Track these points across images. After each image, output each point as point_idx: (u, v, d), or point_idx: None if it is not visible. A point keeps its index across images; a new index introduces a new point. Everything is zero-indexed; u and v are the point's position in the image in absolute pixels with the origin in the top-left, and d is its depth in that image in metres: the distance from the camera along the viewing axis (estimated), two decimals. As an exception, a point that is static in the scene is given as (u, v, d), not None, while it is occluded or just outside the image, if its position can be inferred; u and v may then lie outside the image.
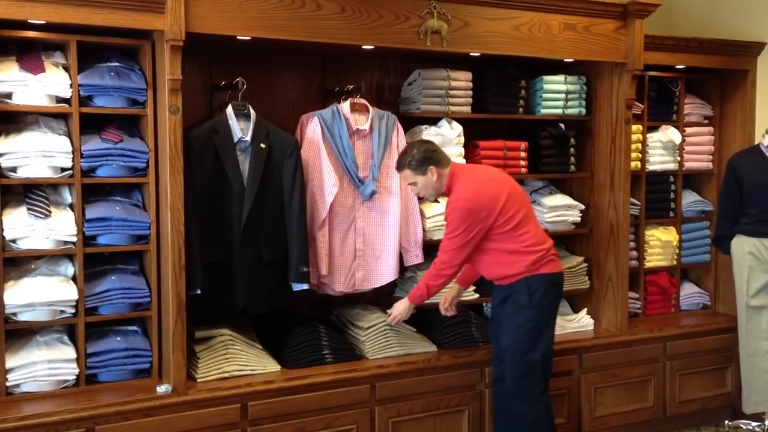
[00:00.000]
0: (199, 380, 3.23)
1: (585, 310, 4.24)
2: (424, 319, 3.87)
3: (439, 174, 3.33)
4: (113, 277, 3.13)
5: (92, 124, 3.14)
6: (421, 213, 3.77)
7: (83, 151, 3.06)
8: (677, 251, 4.53)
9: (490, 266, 3.40)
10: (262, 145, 3.32)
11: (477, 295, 3.91)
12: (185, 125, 3.13)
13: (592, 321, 4.23)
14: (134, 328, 3.24)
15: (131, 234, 3.14)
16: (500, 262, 3.35)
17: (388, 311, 3.57)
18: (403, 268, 3.75)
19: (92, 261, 3.15)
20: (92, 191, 3.16)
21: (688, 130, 4.53)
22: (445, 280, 3.40)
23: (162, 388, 3.08)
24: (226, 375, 3.28)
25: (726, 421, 4.37)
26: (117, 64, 3.14)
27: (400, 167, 3.39)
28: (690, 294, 4.65)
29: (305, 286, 3.42)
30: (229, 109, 3.30)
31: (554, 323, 3.45)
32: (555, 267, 3.39)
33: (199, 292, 3.19)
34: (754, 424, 4.26)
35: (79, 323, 3.08)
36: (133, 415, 3.01)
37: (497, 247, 3.33)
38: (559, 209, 4.13)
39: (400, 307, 3.51)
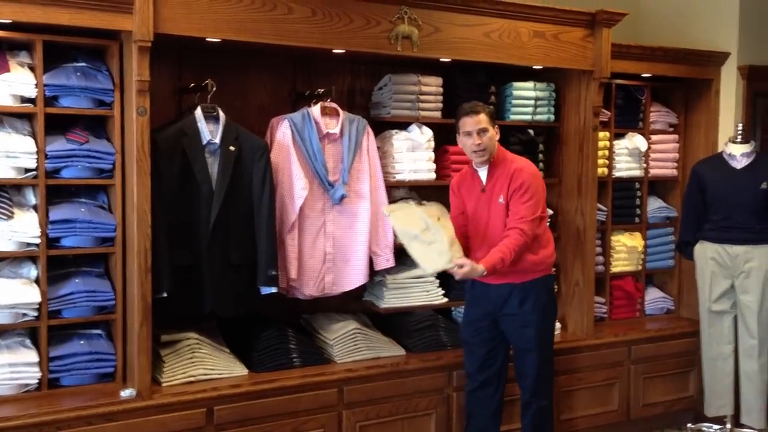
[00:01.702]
0: (164, 384, 3.20)
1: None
2: (392, 324, 3.88)
3: (496, 137, 3.37)
4: (77, 280, 3.09)
5: (58, 124, 3.10)
6: (391, 217, 3.78)
7: (48, 152, 3.02)
8: (642, 257, 4.60)
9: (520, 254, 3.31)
10: (232, 148, 3.31)
11: (445, 300, 3.92)
12: (153, 127, 3.10)
13: (559, 325, 4.26)
14: (98, 331, 3.20)
15: (96, 236, 3.11)
16: (531, 249, 3.32)
17: (456, 262, 3.11)
18: (372, 272, 3.75)
19: (56, 263, 3.10)
20: (57, 193, 3.12)
21: (654, 137, 4.61)
22: (521, 253, 3.24)
23: (126, 393, 3.05)
24: (192, 379, 3.25)
25: (688, 424, 4.44)
26: (84, 64, 3.10)
27: (477, 110, 3.29)
28: (654, 299, 4.72)
29: (274, 290, 3.41)
30: (198, 112, 3.28)
31: None
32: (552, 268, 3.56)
33: (165, 294, 3.16)
34: (715, 427, 4.33)
35: (41, 326, 3.03)
36: (96, 419, 2.97)
37: (537, 231, 3.35)
38: (527, 214, 4.17)
39: (476, 272, 3.13)
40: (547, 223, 3.54)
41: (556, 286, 4.28)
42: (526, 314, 3.38)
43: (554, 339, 3.65)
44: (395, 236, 3.74)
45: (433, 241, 3.14)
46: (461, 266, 3.12)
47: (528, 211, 3.25)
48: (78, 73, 3.06)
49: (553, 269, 3.64)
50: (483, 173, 3.40)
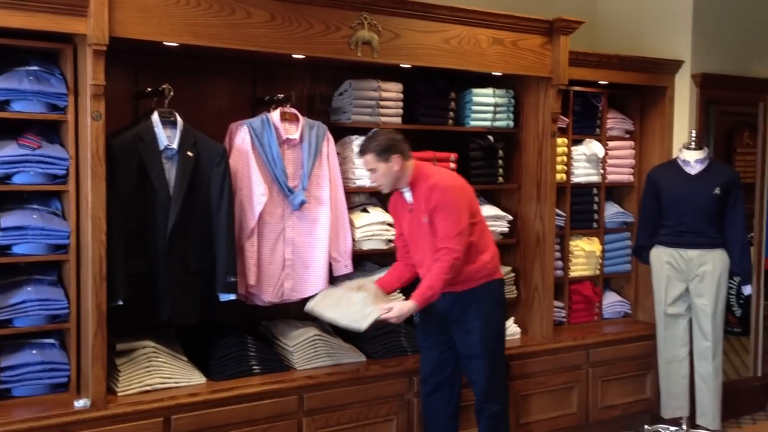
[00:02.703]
0: (119, 394, 3.14)
1: (512, 319, 4.32)
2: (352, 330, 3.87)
3: (401, 165, 3.33)
4: (29, 288, 3.02)
5: (9, 129, 3.03)
6: (351, 223, 3.77)
7: (-1, 158, 2.95)
8: (600, 261, 4.67)
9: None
10: (190, 153, 3.27)
11: (406, 305, 3.92)
12: (109, 132, 3.05)
13: (519, 329, 4.31)
14: (51, 340, 3.13)
15: (49, 243, 3.04)
16: (469, 258, 3.33)
17: (383, 307, 3.23)
18: (332, 279, 3.74)
19: (7, 271, 3.03)
20: (8, 199, 3.05)
21: (611, 143, 4.68)
22: (457, 268, 3.24)
23: (80, 403, 2.99)
24: (149, 388, 3.20)
25: (645, 426, 4.51)
26: (36, 68, 3.03)
27: (363, 152, 3.35)
28: (612, 303, 4.79)
29: (233, 297, 3.37)
30: (155, 116, 3.23)
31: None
32: (501, 272, 3.56)
33: (121, 303, 3.10)
34: (672, 428, 4.41)
35: (-8, 336, 2.96)
36: (49, 431, 2.90)
37: (471, 239, 3.34)
38: (487, 220, 4.18)
39: (405, 309, 3.22)
40: (486, 231, 3.50)
41: (516, 291, 4.34)
42: (470, 321, 3.40)
43: (507, 344, 3.65)
44: (354, 242, 3.73)
45: (357, 302, 3.27)
46: (389, 310, 3.22)
47: (449, 227, 3.24)
48: (30, 77, 2.99)
49: (503, 273, 3.64)
50: (407, 194, 3.42)
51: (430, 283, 3.23)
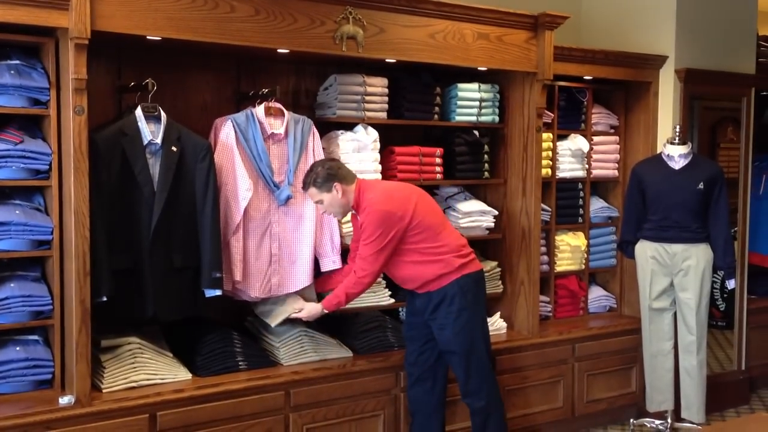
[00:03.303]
0: (104, 390, 3.12)
1: (498, 314, 4.33)
2: (339, 325, 3.87)
3: (344, 190, 3.37)
4: (12, 285, 2.99)
5: (-10, 124, 3.00)
6: (338, 220, 3.76)
7: (-21, 153, 2.92)
8: (585, 256, 4.69)
9: (414, 272, 3.43)
10: (174, 148, 3.25)
11: (393, 300, 3.92)
12: (92, 127, 3.02)
13: (505, 324, 4.32)
14: (35, 337, 3.10)
15: (32, 239, 3.01)
16: (424, 267, 3.40)
17: (296, 308, 3.53)
18: (318, 274, 3.73)
19: (-11, 267, 3.00)
20: (-11, 194, 3.02)
21: (596, 138, 4.70)
22: (364, 287, 3.42)
23: (64, 400, 2.96)
24: (134, 384, 3.18)
25: (631, 420, 4.53)
26: (18, 62, 3.00)
27: (305, 186, 3.42)
28: (597, 297, 4.81)
29: (218, 292, 3.35)
30: (139, 111, 3.21)
31: (486, 318, 3.61)
32: (477, 266, 3.55)
33: (105, 299, 3.08)
34: (657, 422, 4.43)
35: (-26, 333, 2.93)
36: (34, 428, 2.88)
37: (419, 250, 3.39)
38: (473, 215, 4.21)
39: (313, 311, 3.50)
40: (443, 236, 3.46)
41: (501, 285, 4.34)
42: (442, 317, 3.44)
43: (493, 339, 3.66)
44: (341, 238, 3.73)
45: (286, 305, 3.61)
46: (300, 310, 3.50)
47: (364, 250, 3.36)
48: (11, 71, 2.96)
49: (483, 266, 3.62)
50: (358, 215, 3.49)
51: (338, 293, 3.43)
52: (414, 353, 3.59)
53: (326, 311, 3.47)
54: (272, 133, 3.52)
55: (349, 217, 3.77)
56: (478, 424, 3.57)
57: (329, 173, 3.36)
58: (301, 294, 3.64)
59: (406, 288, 3.56)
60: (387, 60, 3.71)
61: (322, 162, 3.47)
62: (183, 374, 3.32)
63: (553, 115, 4.45)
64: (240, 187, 3.43)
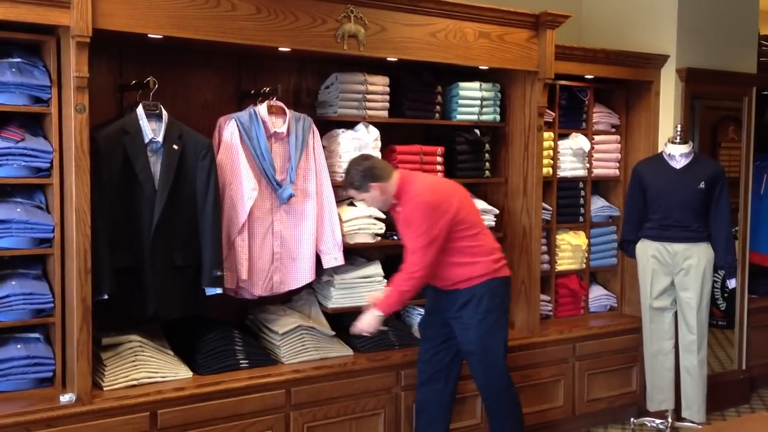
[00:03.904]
0: (105, 388, 3.12)
1: (499, 313, 4.33)
2: (340, 323, 3.86)
3: (381, 188, 3.36)
4: (13, 282, 2.99)
5: (-8, 122, 3.00)
6: (339, 217, 3.76)
7: (-19, 151, 2.92)
8: (586, 255, 4.69)
9: (450, 268, 3.40)
10: (175, 147, 3.25)
11: (393, 299, 3.92)
12: (93, 125, 3.03)
13: (506, 323, 4.32)
14: (36, 335, 3.10)
15: (33, 237, 3.01)
16: (461, 263, 3.38)
17: (354, 323, 3.42)
18: (320, 272, 3.73)
19: (-10, 265, 3.00)
20: (-9, 192, 3.02)
21: (597, 138, 4.69)
22: (417, 282, 3.33)
23: (65, 398, 2.96)
24: (135, 382, 3.18)
25: (632, 419, 4.53)
26: (19, 60, 2.99)
27: (345, 188, 3.48)
28: (598, 296, 4.81)
29: (219, 291, 3.36)
30: (140, 109, 3.21)
31: (508, 323, 3.62)
32: (507, 271, 3.56)
33: (106, 297, 3.08)
34: (658, 421, 4.43)
35: (-25, 331, 2.93)
36: (35, 425, 2.88)
37: (458, 247, 3.37)
38: (474, 214, 4.20)
39: (370, 319, 3.37)
40: (481, 235, 3.48)
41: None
42: (469, 318, 3.42)
43: (507, 344, 3.63)
44: (342, 236, 3.73)
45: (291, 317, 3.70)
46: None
47: (412, 244, 3.31)
48: (13, 69, 2.96)
49: (504, 272, 3.52)
50: (398, 207, 3.45)
51: (389, 294, 3.37)
52: (429, 352, 3.56)
53: (384, 315, 3.38)
54: (275, 131, 3.53)
55: (349, 216, 3.77)
56: (495, 427, 3.56)
57: (363, 175, 3.35)
58: (299, 310, 3.71)
59: (435, 284, 3.50)
60: (388, 59, 3.71)
61: (355, 162, 3.42)
62: (184, 372, 3.32)
63: (554, 114, 4.45)
64: (245, 187, 3.43)
